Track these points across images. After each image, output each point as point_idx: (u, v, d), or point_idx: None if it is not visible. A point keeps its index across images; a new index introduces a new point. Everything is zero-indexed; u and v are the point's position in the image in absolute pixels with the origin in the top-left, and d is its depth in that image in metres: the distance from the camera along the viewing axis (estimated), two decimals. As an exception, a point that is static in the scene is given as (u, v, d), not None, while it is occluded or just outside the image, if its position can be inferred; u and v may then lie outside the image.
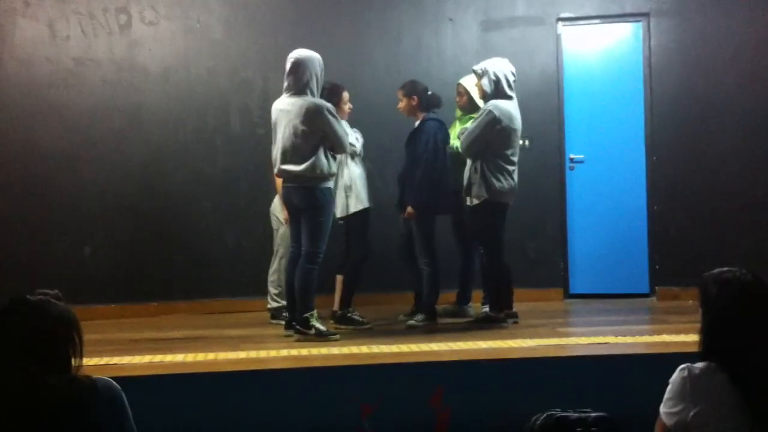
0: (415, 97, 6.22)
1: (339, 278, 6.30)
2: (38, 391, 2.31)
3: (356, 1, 7.55)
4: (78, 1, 7.10)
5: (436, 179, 6.05)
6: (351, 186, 6.18)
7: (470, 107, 6.36)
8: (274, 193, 6.45)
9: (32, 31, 7.04)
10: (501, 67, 5.99)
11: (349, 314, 6.11)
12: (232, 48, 7.41)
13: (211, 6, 7.38)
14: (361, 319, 6.11)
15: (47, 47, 7.06)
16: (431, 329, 5.91)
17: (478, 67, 6.05)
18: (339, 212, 6.16)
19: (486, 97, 5.99)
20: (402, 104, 6.30)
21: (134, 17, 7.21)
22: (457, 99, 6.51)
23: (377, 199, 6.40)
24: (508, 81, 5.98)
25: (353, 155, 6.24)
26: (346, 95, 6.22)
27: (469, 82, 6.33)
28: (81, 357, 2.42)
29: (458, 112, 6.57)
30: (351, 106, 6.27)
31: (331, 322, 6.05)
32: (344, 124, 5.98)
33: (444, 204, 6.19)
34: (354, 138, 6.22)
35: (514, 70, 6.05)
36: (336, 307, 6.24)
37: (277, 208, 6.42)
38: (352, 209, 6.19)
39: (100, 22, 7.12)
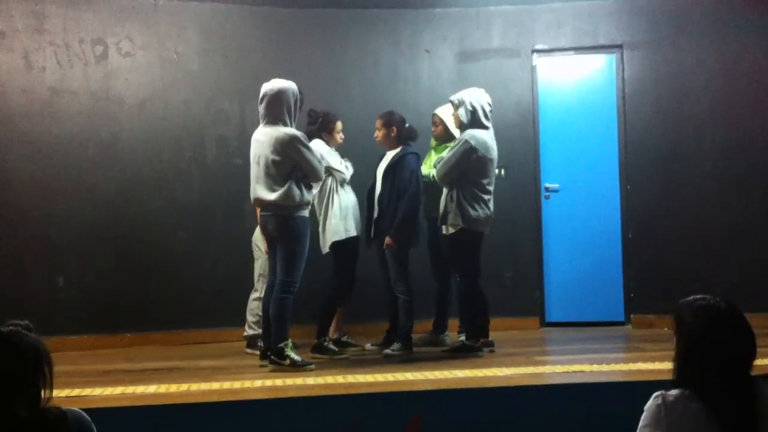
0: (395, 129, 6.23)
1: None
2: (7, 423, 2.28)
3: (333, 30, 7.59)
4: (54, 32, 7.08)
5: (417, 212, 6.09)
6: (343, 214, 6.16)
7: (445, 137, 6.41)
8: (253, 223, 6.44)
9: (8, 62, 7.00)
10: (478, 97, 6.05)
11: (325, 343, 6.09)
12: (208, 79, 7.40)
13: (188, 37, 7.39)
14: (336, 349, 6.09)
15: (23, 78, 7.03)
16: (407, 358, 5.90)
17: (455, 98, 6.10)
18: (329, 239, 6.14)
19: (462, 126, 6.04)
20: (380, 134, 6.32)
21: (110, 48, 7.19)
22: (433, 129, 6.56)
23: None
24: (484, 111, 6.03)
25: (342, 182, 6.24)
26: (339, 125, 6.32)
27: (445, 112, 6.38)
28: (51, 389, 2.39)
29: (433, 142, 6.62)
30: (343, 136, 6.34)
31: (308, 351, 6.02)
32: (324, 151, 6.02)
33: (420, 235, 6.21)
34: (343, 166, 6.24)
35: (490, 101, 6.11)
36: (332, 334, 6.24)
37: (259, 238, 6.40)
38: (341, 237, 6.16)
39: (76, 53, 7.10)
